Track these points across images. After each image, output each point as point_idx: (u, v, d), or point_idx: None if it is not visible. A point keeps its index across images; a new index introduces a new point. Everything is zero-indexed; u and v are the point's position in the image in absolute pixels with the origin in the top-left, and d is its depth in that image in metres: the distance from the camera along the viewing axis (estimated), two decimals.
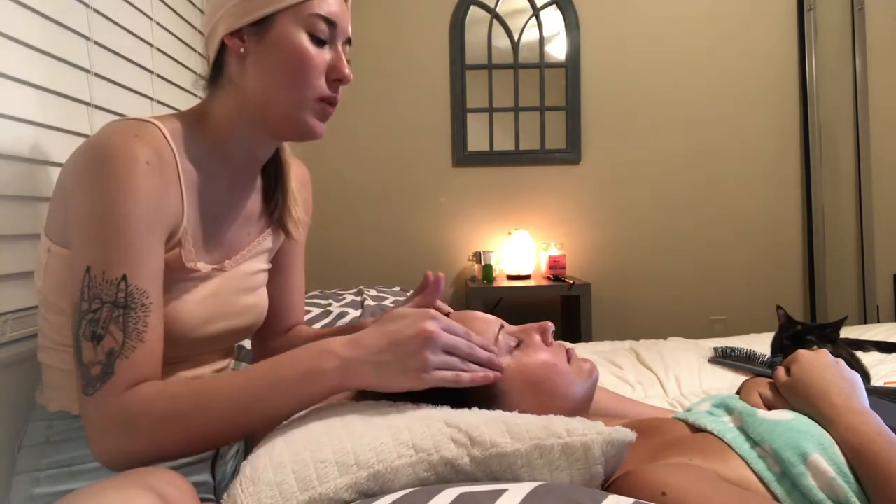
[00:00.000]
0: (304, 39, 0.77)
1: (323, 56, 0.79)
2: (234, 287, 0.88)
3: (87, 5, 1.24)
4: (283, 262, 1.02)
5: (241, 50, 0.78)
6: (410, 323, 0.68)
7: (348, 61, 0.82)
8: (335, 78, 0.80)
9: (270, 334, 1.06)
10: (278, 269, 1.02)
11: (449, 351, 0.68)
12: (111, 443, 0.66)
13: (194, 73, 1.88)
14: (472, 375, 0.69)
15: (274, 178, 0.94)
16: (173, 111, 1.73)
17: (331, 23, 0.79)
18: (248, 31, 0.77)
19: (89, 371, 0.66)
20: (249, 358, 1.28)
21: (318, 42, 0.79)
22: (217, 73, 0.82)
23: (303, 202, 1.00)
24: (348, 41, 0.83)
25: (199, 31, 1.95)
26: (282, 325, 1.06)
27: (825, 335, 1.43)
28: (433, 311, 0.70)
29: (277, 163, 0.93)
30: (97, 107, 1.26)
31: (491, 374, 0.71)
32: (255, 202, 0.91)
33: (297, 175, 0.99)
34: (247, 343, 1.37)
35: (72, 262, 0.70)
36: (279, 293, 1.04)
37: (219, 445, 0.71)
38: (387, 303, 1.81)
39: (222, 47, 0.80)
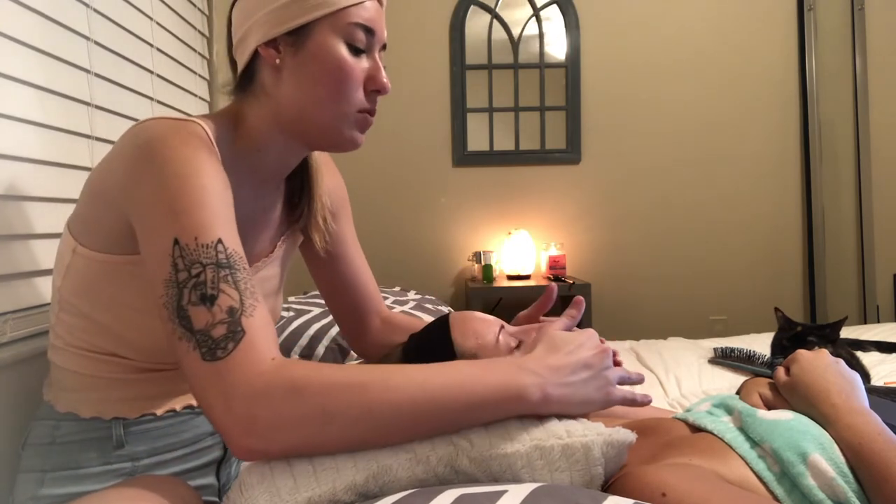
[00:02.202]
0: (343, 50, 0.74)
1: (361, 66, 0.76)
2: None
3: (87, 5, 1.24)
4: (337, 252, 0.99)
5: (277, 61, 0.74)
6: (587, 343, 0.69)
7: (384, 67, 0.79)
8: (374, 88, 0.77)
9: (362, 329, 1.04)
10: (337, 261, 1.00)
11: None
12: (262, 408, 0.55)
13: (194, 73, 1.88)
14: (643, 396, 0.72)
15: (300, 184, 0.91)
16: (175, 111, 1.73)
17: (369, 30, 0.75)
18: (283, 41, 0.74)
19: (210, 335, 0.58)
20: None
21: (356, 51, 0.75)
22: (247, 80, 0.79)
23: (334, 181, 0.99)
24: (383, 47, 0.80)
25: (200, 32, 1.95)
26: (369, 314, 1.04)
27: (825, 335, 1.43)
28: (594, 331, 0.73)
29: (305, 170, 0.90)
30: (97, 107, 1.26)
31: (650, 397, 0.74)
32: (277, 210, 0.89)
33: (325, 165, 0.95)
34: None
35: (150, 247, 0.64)
36: (347, 282, 1.01)
37: (384, 443, 0.60)
38: (387, 302, 1.81)
39: (255, 55, 0.76)
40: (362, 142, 0.80)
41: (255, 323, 0.60)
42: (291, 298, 1.87)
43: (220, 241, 0.62)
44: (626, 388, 0.72)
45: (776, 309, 1.58)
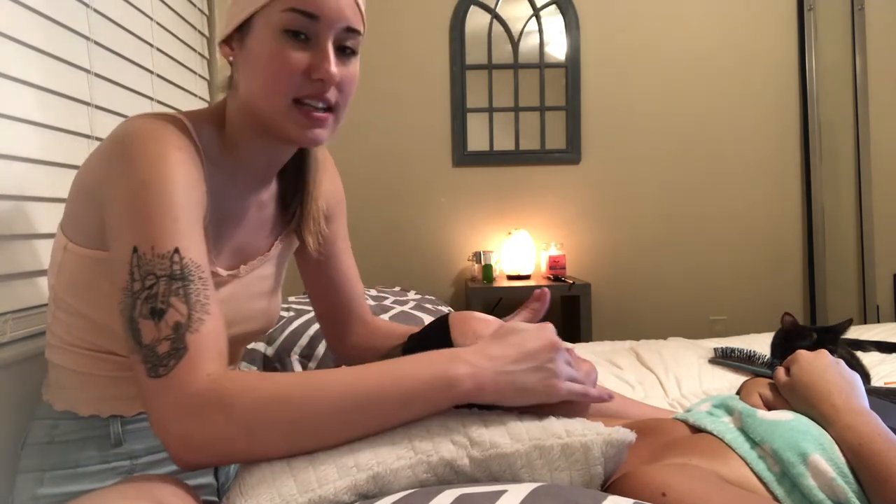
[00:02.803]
0: (277, 40, 0.70)
1: (300, 55, 0.71)
2: (248, 293, 0.87)
3: (87, 5, 1.24)
4: (328, 255, 0.98)
5: (230, 59, 0.76)
6: (535, 334, 0.67)
7: (354, 51, 0.75)
8: (316, 77, 0.72)
9: (344, 332, 1.03)
10: (326, 263, 0.99)
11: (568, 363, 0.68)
12: (194, 427, 0.58)
13: (194, 72, 1.88)
14: (598, 391, 0.68)
15: (294, 184, 0.90)
16: (175, 111, 1.73)
17: (310, 15, 0.70)
18: (235, 38, 0.75)
19: (155, 350, 0.59)
20: (251, 359, 1.27)
21: (299, 40, 0.71)
22: (230, 77, 0.80)
23: (333, 184, 0.98)
24: (350, 30, 0.73)
25: (200, 32, 1.95)
26: (352, 318, 1.03)
27: (835, 340, 1.42)
28: (551, 325, 0.70)
29: (300, 170, 0.89)
30: (97, 107, 1.26)
31: (606, 394, 0.70)
32: (270, 207, 0.89)
33: (324, 165, 0.95)
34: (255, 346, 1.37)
35: (114, 251, 0.65)
36: (335, 284, 1.00)
37: (319, 447, 0.61)
38: (387, 302, 1.81)
39: None
40: (314, 138, 0.75)
41: (199, 339, 0.61)
42: (291, 298, 1.87)
43: (176, 250, 0.63)
44: (578, 386, 0.67)
45: (786, 313, 1.53)
